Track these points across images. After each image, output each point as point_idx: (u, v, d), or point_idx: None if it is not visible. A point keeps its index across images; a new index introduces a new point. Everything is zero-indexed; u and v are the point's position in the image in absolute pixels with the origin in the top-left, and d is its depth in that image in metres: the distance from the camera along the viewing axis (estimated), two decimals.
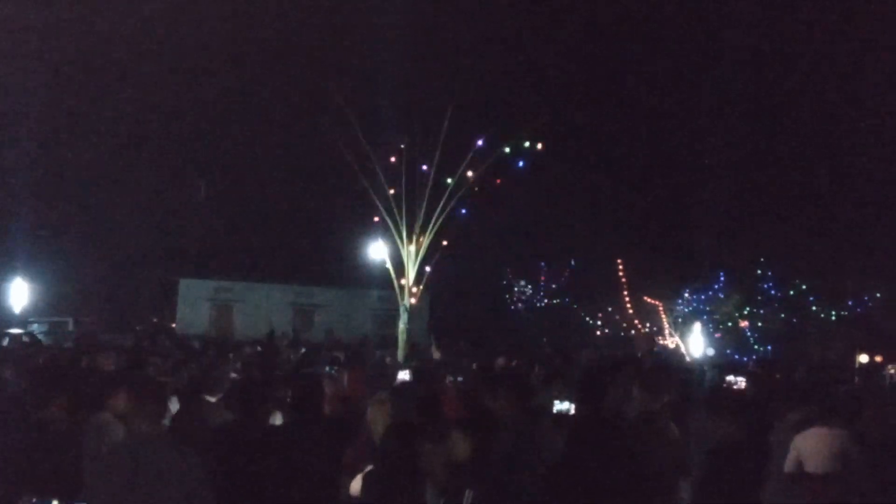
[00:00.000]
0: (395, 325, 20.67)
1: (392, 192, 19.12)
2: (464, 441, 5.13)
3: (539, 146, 19.00)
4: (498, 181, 19.41)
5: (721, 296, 35.65)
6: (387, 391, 7.44)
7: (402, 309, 19.85)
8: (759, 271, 34.72)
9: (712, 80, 35.41)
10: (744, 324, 35.58)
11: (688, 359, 26.51)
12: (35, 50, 32.66)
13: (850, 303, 33.27)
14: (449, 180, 19.14)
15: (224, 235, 40.37)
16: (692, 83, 39.02)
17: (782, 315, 34.86)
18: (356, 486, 5.91)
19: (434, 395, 6.55)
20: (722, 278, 35.26)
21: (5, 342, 17.18)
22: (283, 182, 38.49)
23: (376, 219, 19.46)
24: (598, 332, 41.35)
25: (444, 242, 19.99)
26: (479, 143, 19.11)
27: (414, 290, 19.84)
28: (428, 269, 20.08)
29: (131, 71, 37.52)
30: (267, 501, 5.45)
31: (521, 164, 19.22)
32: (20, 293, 26.95)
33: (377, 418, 6.43)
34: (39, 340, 18.06)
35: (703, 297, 35.81)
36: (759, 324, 35.29)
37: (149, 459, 4.55)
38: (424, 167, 19.06)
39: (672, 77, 39.95)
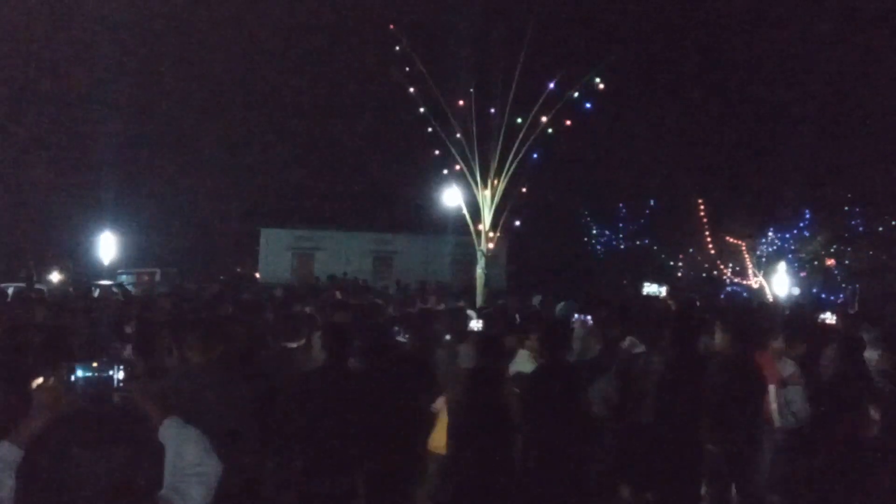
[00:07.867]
0: (473, 271, 20.76)
1: (461, 137, 19.00)
2: None
3: (602, 86, 18.54)
4: (568, 123, 18.96)
5: (807, 234, 34.64)
6: (453, 337, 7.53)
7: (479, 255, 19.88)
8: (846, 208, 33.61)
9: (795, 12, 34.12)
10: (830, 262, 34.58)
11: (770, 298, 25.92)
12: (127, 11, 33.46)
13: None
14: (519, 120, 18.90)
15: (304, 185, 40.96)
16: (775, 16, 37.50)
17: (870, 252, 33.76)
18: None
19: (494, 337, 6.50)
20: (808, 216, 34.23)
21: (96, 293, 17.84)
22: (360, 131, 38.74)
23: (457, 167, 19.34)
24: (679, 274, 40.61)
25: (524, 190, 19.84)
26: (552, 85, 18.82)
27: (490, 235, 19.81)
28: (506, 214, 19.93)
29: (212, 31, 38.14)
30: (352, 443, 5.55)
31: (588, 105, 18.81)
32: (109, 246, 27.92)
33: (443, 364, 6.53)
34: (129, 291, 18.69)
35: (787, 235, 34.84)
36: (846, 262, 34.25)
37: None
38: (494, 110, 18.87)
39: (753, 9, 38.40)
